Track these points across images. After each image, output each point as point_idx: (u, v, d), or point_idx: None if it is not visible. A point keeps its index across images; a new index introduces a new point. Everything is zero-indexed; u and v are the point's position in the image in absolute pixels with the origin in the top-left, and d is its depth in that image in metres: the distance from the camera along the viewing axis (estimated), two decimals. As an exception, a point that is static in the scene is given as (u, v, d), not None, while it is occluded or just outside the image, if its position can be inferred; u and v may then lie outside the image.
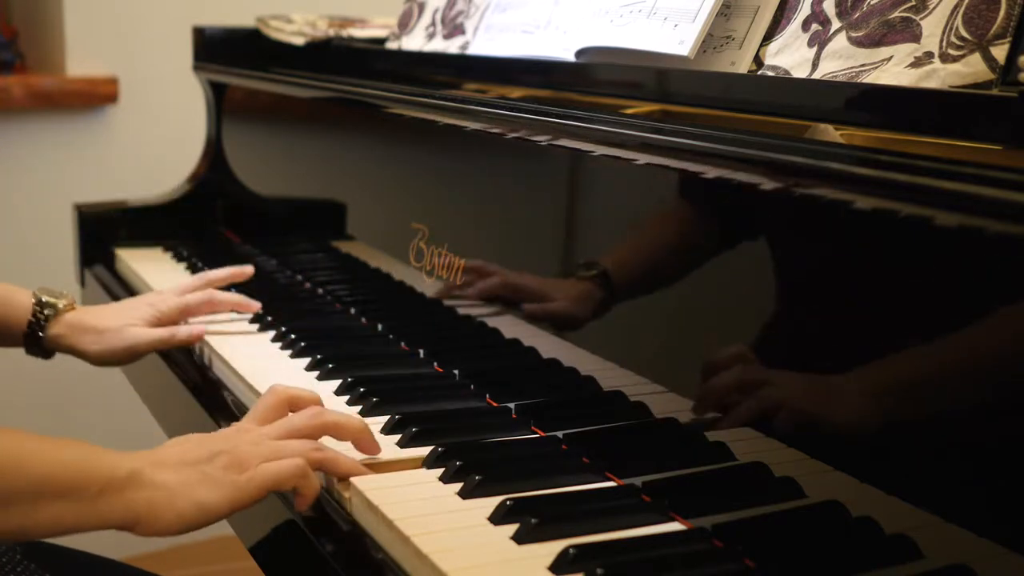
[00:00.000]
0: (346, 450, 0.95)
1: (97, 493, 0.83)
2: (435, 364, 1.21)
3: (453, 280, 1.23)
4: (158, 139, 2.44)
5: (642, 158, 0.96)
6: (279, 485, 0.88)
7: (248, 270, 1.43)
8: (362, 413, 1.06)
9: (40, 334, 1.27)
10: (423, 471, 0.93)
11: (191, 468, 0.87)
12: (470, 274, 1.21)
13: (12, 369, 2.31)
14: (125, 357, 1.29)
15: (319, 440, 0.94)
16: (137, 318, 1.29)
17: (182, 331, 1.30)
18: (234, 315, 1.40)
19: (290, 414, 0.96)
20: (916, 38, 0.88)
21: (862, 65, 0.92)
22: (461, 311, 1.23)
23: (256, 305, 1.38)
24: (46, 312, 1.28)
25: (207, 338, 1.30)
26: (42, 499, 0.81)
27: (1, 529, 0.82)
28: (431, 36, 1.54)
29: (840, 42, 0.95)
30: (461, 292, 1.22)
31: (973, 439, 0.71)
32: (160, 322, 1.31)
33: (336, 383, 1.13)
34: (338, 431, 0.95)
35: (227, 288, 1.41)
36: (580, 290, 1.05)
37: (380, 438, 1.00)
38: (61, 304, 1.29)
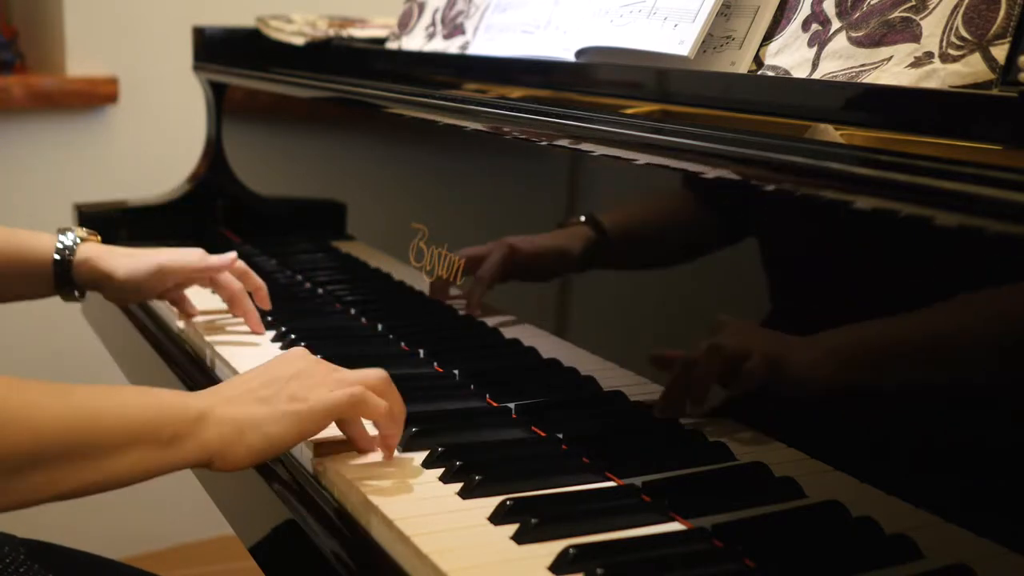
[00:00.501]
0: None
1: (171, 437, 0.85)
2: (435, 364, 1.21)
3: (453, 280, 1.23)
4: (158, 139, 2.44)
5: (642, 158, 0.96)
6: (342, 412, 0.91)
7: (262, 288, 1.38)
8: (362, 413, 1.06)
9: (70, 262, 1.28)
10: (423, 471, 0.93)
11: (258, 403, 0.90)
12: (470, 264, 1.21)
13: (12, 369, 2.31)
14: (153, 279, 1.30)
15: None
16: (160, 260, 1.31)
17: (213, 259, 1.32)
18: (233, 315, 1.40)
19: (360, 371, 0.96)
20: (916, 38, 0.88)
21: (862, 65, 0.92)
22: (461, 311, 1.23)
23: (260, 330, 1.34)
24: (69, 241, 1.29)
25: (208, 338, 1.30)
26: (121, 449, 0.84)
27: (87, 482, 0.84)
28: (431, 36, 1.55)
29: (840, 42, 0.95)
30: (468, 285, 1.22)
31: (973, 439, 0.71)
32: (174, 274, 1.32)
33: (336, 383, 1.13)
34: (393, 412, 0.95)
35: None
36: (570, 232, 1.06)
37: (380, 438, 1.00)
38: (84, 232, 1.30)
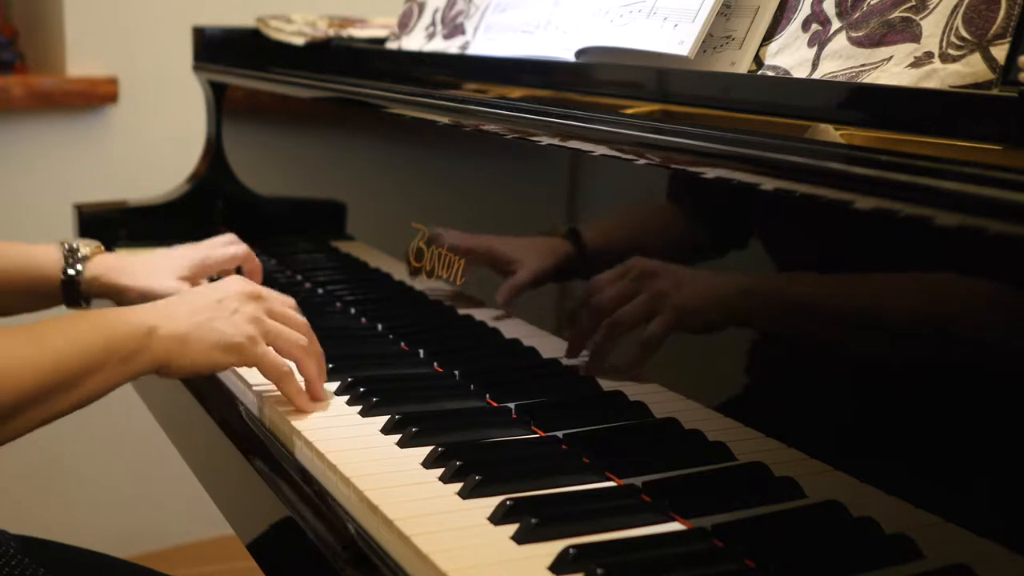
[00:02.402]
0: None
1: (129, 353, 1.00)
2: (435, 364, 1.21)
3: (453, 280, 1.23)
4: (158, 139, 2.44)
5: (642, 158, 0.96)
6: (267, 373, 1.05)
7: (257, 266, 1.45)
8: (362, 413, 1.06)
9: (79, 281, 1.30)
10: (423, 471, 0.93)
11: (200, 323, 1.03)
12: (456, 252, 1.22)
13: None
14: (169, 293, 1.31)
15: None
16: (178, 272, 1.32)
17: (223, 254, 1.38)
18: None
19: (291, 312, 1.11)
20: (916, 38, 0.88)
21: (862, 65, 0.92)
22: (461, 311, 1.23)
23: (259, 266, 1.43)
24: (78, 255, 1.31)
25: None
26: (91, 374, 0.98)
27: (67, 407, 0.97)
28: (431, 36, 1.54)
29: (840, 42, 0.95)
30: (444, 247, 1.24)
31: (973, 439, 0.71)
32: (199, 275, 1.35)
33: (336, 383, 1.13)
34: (304, 365, 1.07)
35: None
36: (547, 243, 1.10)
37: (381, 438, 1.00)
38: (90, 248, 1.32)
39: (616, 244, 1.03)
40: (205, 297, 1.06)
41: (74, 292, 1.31)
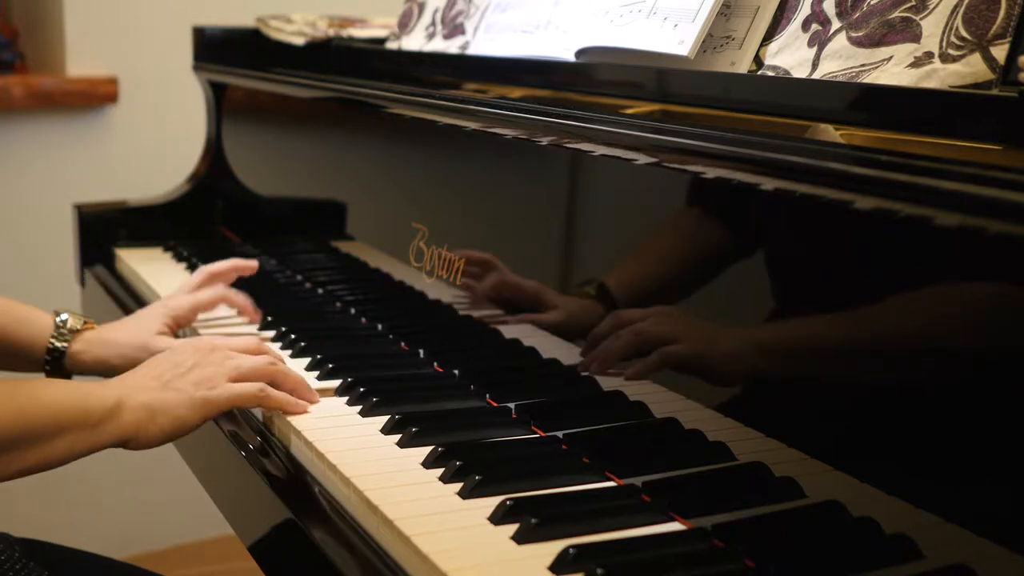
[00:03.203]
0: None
1: (96, 422, 0.98)
2: (435, 364, 1.21)
3: (453, 280, 1.23)
4: (158, 139, 2.44)
5: (642, 158, 0.96)
6: (243, 403, 1.06)
7: (253, 264, 1.43)
8: (362, 413, 1.06)
9: (62, 351, 1.26)
10: (423, 471, 0.93)
11: (165, 388, 1.03)
12: (473, 267, 1.21)
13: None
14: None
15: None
16: (155, 328, 1.28)
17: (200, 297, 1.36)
18: (234, 313, 1.40)
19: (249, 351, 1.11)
20: (916, 38, 0.88)
21: (862, 65, 0.92)
22: (461, 311, 1.23)
23: (258, 316, 1.38)
24: (68, 328, 1.26)
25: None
26: (58, 434, 0.96)
27: (26, 466, 0.96)
28: (431, 36, 1.55)
29: (840, 42, 0.95)
30: (461, 286, 1.22)
31: (974, 439, 0.71)
32: (177, 324, 1.31)
33: (336, 383, 1.13)
34: (284, 380, 1.08)
35: (235, 284, 1.42)
36: (580, 305, 1.07)
37: (381, 438, 1.00)
38: (80, 324, 1.27)
39: (645, 290, 1.03)
40: (164, 362, 1.06)
41: (57, 365, 1.28)
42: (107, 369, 1.26)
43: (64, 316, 1.27)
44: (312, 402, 1.08)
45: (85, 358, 1.26)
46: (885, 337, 0.77)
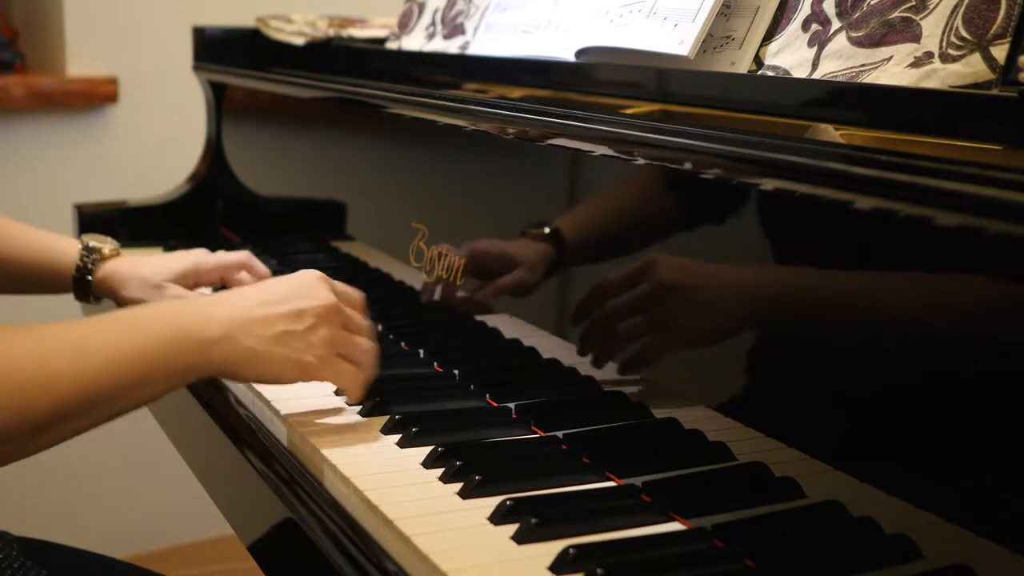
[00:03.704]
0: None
1: (185, 368, 0.93)
2: (435, 364, 1.21)
3: (453, 280, 1.23)
4: (158, 139, 2.44)
5: (642, 158, 0.96)
6: (338, 385, 1.04)
7: (264, 269, 1.43)
8: (362, 413, 1.06)
9: (88, 278, 1.33)
10: (423, 471, 0.93)
11: (275, 341, 0.97)
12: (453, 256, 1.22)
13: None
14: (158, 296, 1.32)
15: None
16: (176, 276, 1.32)
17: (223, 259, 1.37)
18: None
19: (360, 318, 1.07)
20: (916, 38, 0.88)
21: (862, 65, 0.92)
22: (461, 311, 1.23)
23: (266, 271, 1.40)
24: (93, 257, 1.33)
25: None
26: (140, 386, 0.91)
27: (103, 419, 0.90)
28: (431, 36, 1.54)
29: (840, 42, 0.95)
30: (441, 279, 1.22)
31: (974, 439, 0.71)
32: (198, 281, 1.35)
33: (336, 383, 1.13)
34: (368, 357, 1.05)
35: None
36: (535, 250, 1.10)
37: (381, 438, 1.00)
38: (106, 250, 1.34)
39: (604, 236, 1.04)
40: (282, 304, 0.99)
41: (84, 290, 1.34)
42: (121, 300, 1.33)
43: (91, 243, 1.34)
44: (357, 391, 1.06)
45: (105, 285, 1.33)
46: (885, 337, 0.77)
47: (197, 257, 1.36)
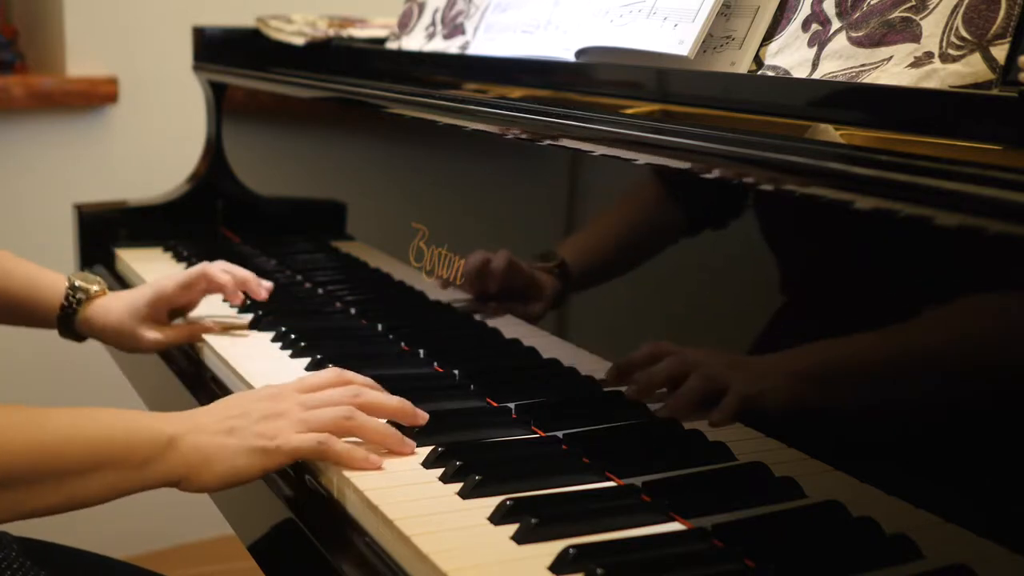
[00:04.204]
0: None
1: (141, 461, 0.91)
2: (435, 364, 1.21)
3: (453, 280, 1.23)
4: (158, 139, 2.44)
5: (642, 158, 0.96)
6: (303, 456, 0.94)
7: (267, 285, 1.36)
8: (362, 413, 1.06)
9: (73, 317, 1.32)
10: (423, 471, 0.93)
11: (227, 434, 0.93)
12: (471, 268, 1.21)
13: (13, 385, 2.32)
14: (141, 328, 1.31)
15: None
16: (147, 310, 1.30)
17: (182, 333, 1.33)
18: (234, 312, 1.40)
19: (331, 390, 0.99)
20: (916, 38, 0.88)
21: (862, 65, 0.92)
22: (461, 311, 1.23)
23: (267, 287, 1.35)
24: (78, 296, 1.31)
25: (207, 337, 1.30)
26: (93, 471, 0.89)
27: (52, 502, 0.89)
28: (431, 36, 1.54)
29: (840, 42, 0.95)
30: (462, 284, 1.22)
31: (974, 439, 0.71)
32: (166, 303, 1.32)
33: (336, 383, 1.13)
34: (376, 410, 0.98)
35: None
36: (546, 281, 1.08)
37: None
38: (92, 290, 1.32)
39: (620, 245, 1.03)
40: (235, 405, 0.96)
41: (68, 328, 1.33)
42: (102, 340, 1.33)
43: (77, 282, 1.32)
44: (403, 453, 0.96)
45: (87, 327, 1.32)
46: (884, 337, 0.77)
47: (158, 286, 1.31)
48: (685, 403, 0.92)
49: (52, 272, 1.35)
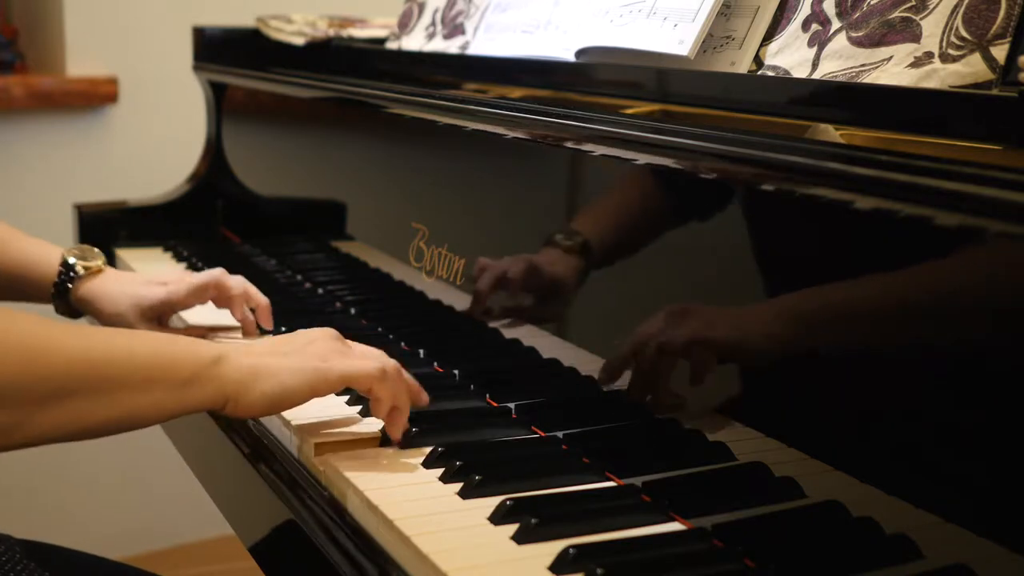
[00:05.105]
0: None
1: (188, 378, 0.90)
2: (435, 364, 1.21)
3: (453, 280, 1.23)
4: (158, 139, 2.44)
5: (642, 158, 0.96)
6: (356, 382, 0.95)
7: (264, 304, 1.33)
8: (362, 414, 1.06)
9: (66, 295, 1.28)
10: (423, 471, 0.93)
11: (276, 355, 0.94)
12: (471, 278, 1.21)
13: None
14: (140, 320, 1.28)
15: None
16: (151, 309, 1.27)
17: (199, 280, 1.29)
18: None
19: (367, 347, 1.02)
20: (916, 38, 0.88)
21: (862, 65, 0.92)
22: (461, 311, 1.23)
23: (264, 301, 1.32)
24: (71, 275, 1.28)
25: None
26: (139, 387, 0.88)
27: (107, 418, 0.87)
28: (431, 36, 1.55)
29: (840, 42, 0.95)
30: (467, 295, 1.22)
31: (974, 439, 0.71)
32: (173, 310, 1.30)
33: (336, 383, 1.13)
34: (409, 393, 0.99)
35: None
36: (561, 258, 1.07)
37: (380, 438, 1.00)
38: (83, 268, 1.28)
39: (620, 244, 1.03)
40: (281, 337, 0.99)
41: (63, 305, 1.30)
42: (100, 321, 1.29)
43: (71, 259, 1.28)
44: (421, 403, 1.00)
45: (83, 306, 1.29)
46: (885, 337, 0.77)
47: (170, 293, 1.28)
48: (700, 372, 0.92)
49: (49, 247, 1.31)
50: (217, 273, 1.30)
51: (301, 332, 0.99)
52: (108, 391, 0.87)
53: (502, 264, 1.16)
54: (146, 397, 0.88)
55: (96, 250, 1.32)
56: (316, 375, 0.93)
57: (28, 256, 1.30)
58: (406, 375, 1.00)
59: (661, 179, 0.99)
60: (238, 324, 1.32)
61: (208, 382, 0.90)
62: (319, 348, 0.96)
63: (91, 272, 1.29)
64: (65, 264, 1.28)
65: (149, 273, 1.35)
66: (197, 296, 1.29)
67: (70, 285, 1.28)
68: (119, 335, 0.91)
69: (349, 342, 1.01)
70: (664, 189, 0.99)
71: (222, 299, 1.31)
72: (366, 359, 0.97)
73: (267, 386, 0.92)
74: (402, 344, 1.28)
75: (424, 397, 1.02)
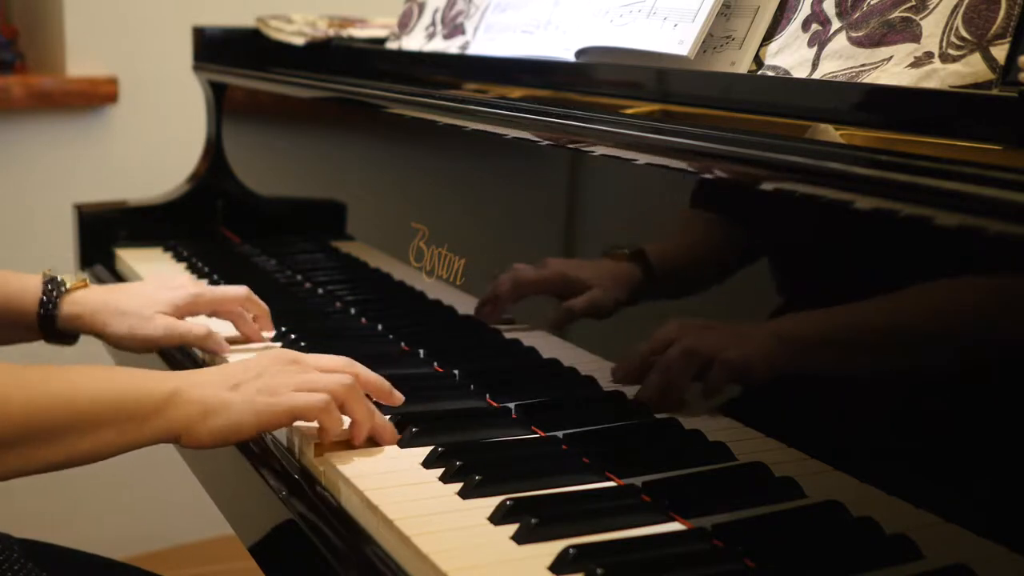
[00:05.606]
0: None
1: (142, 416, 0.91)
2: (435, 364, 1.21)
3: (453, 280, 1.23)
4: (158, 139, 2.44)
5: (642, 158, 0.96)
6: (303, 415, 0.95)
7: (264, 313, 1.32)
8: (362, 413, 1.06)
9: (54, 314, 1.22)
10: (423, 471, 0.93)
11: (227, 389, 0.94)
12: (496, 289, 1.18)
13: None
14: (141, 347, 1.24)
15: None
16: (173, 308, 1.24)
17: (197, 330, 1.24)
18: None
19: (329, 357, 1.02)
20: (916, 38, 0.88)
21: (862, 65, 0.92)
22: (461, 311, 1.23)
23: (264, 309, 1.31)
24: (58, 290, 1.23)
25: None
26: (90, 429, 0.90)
27: (50, 460, 0.89)
28: (431, 36, 1.55)
29: (840, 42, 0.95)
30: (496, 306, 1.18)
31: (973, 439, 0.71)
32: (192, 313, 1.27)
33: (336, 383, 1.13)
34: (366, 387, 1.00)
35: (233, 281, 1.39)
36: (613, 270, 1.02)
37: (380, 438, 1.00)
38: (73, 282, 1.24)
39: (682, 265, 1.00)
40: (236, 365, 0.98)
41: (52, 329, 1.24)
42: (101, 334, 1.24)
43: (56, 276, 1.24)
44: (385, 442, 0.98)
45: (85, 323, 1.23)
46: (885, 337, 0.77)
47: (195, 290, 1.27)
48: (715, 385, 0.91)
49: (27, 275, 1.26)
50: (245, 292, 1.29)
51: (253, 360, 0.98)
52: (65, 435, 0.89)
53: (532, 275, 1.13)
54: (100, 437, 0.90)
55: (81, 273, 1.28)
56: (265, 412, 0.94)
57: (7, 285, 1.24)
58: (373, 378, 1.01)
59: (661, 181, 0.98)
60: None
61: (160, 418, 0.92)
62: (269, 381, 0.95)
63: (76, 286, 1.24)
64: (50, 280, 1.24)
65: (148, 277, 1.33)
66: (220, 304, 1.29)
67: (56, 300, 1.22)
68: (76, 374, 0.91)
69: (306, 358, 1.00)
70: (663, 192, 0.99)
71: (223, 313, 1.30)
72: (316, 384, 0.96)
73: (215, 424, 0.93)
74: (402, 344, 1.28)
75: (397, 397, 1.03)
